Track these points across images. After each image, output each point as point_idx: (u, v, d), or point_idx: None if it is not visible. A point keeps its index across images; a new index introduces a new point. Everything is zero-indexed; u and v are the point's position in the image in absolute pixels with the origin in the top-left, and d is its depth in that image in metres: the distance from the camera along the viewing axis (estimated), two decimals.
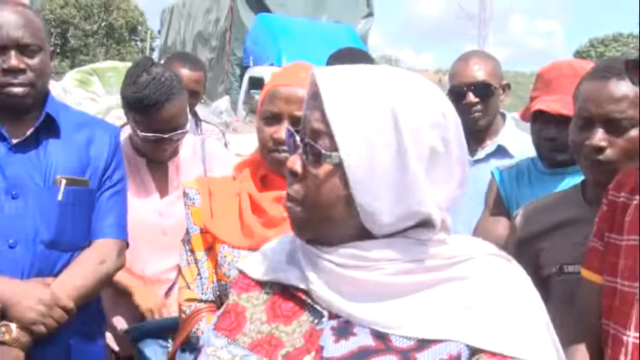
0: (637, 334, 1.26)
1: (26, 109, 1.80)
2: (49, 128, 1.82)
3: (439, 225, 0.93)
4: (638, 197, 1.34)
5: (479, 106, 2.42)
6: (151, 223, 2.25)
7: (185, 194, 1.67)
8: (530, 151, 2.21)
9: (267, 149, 1.58)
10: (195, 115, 3.22)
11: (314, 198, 0.93)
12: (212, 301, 1.60)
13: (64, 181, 1.79)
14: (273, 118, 1.56)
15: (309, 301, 0.96)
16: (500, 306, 0.90)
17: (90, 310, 1.86)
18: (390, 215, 0.91)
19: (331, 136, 0.90)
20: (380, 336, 0.90)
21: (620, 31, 42.51)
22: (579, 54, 41.51)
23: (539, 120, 2.02)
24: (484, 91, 2.39)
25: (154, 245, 2.24)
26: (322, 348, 0.91)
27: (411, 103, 0.91)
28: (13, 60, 1.72)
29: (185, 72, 2.94)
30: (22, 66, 1.74)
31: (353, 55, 2.62)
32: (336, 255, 0.93)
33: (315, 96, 0.94)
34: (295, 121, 1.54)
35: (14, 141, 1.78)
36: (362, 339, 0.91)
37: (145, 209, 2.26)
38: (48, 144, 1.81)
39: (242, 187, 1.61)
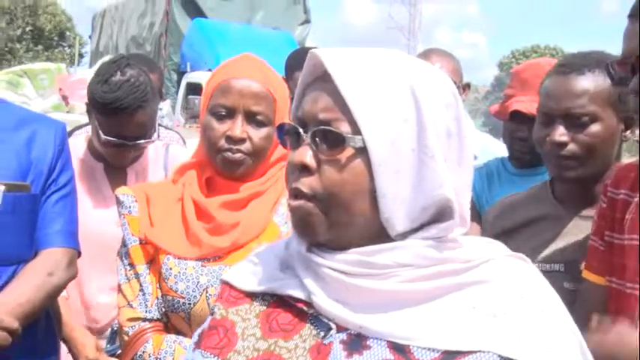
0: None
1: None
2: None
3: (457, 213, 0.85)
4: (639, 195, 1.30)
5: None
6: (108, 233, 2.09)
7: (119, 202, 1.53)
8: (493, 151, 2.19)
9: (218, 148, 1.46)
10: None
11: (334, 189, 0.84)
12: (158, 320, 1.48)
13: (2, 188, 1.61)
14: (226, 114, 1.45)
15: (311, 312, 0.86)
16: (527, 312, 0.82)
17: (39, 327, 1.70)
18: (410, 205, 0.83)
19: (350, 120, 0.83)
20: (399, 349, 0.81)
21: (538, 43, 44.61)
22: (502, 65, 43.24)
23: (515, 120, 2.00)
24: None
25: (110, 257, 2.08)
26: None
27: (427, 81, 0.85)
28: None
29: None
30: None
31: None
32: (339, 262, 0.84)
33: (320, 79, 0.86)
34: (250, 116, 1.45)
35: None
36: (378, 353, 0.81)
37: (102, 219, 2.10)
38: None
39: (185, 192, 1.49)
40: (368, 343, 0.82)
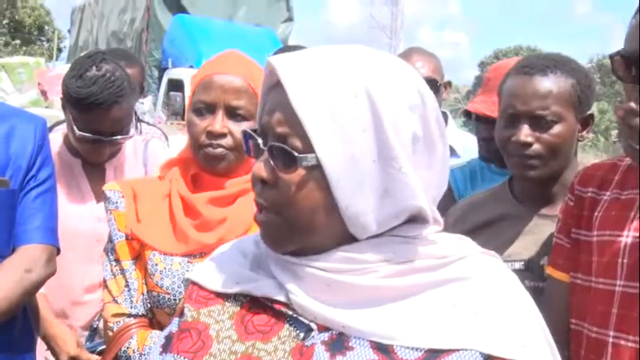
0: (617, 334, 1.22)
1: None
2: None
3: (431, 218, 0.85)
4: (607, 193, 1.32)
5: None
6: (86, 230, 2.07)
7: (106, 198, 1.52)
8: (474, 149, 2.20)
9: (200, 144, 1.46)
10: (134, 114, 3.05)
11: (291, 207, 0.82)
12: (143, 315, 1.47)
13: None
14: (207, 109, 1.45)
15: (290, 313, 0.84)
16: (505, 308, 0.83)
17: (16, 324, 1.66)
18: (378, 214, 0.81)
19: (303, 136, 0.79)
20: (382, 349, 0.80)
21: (520, 44, 45.00)
22: (483, 65, 43.71)
23: (478, 120, 2.04)
24: (430, 88, 2.36)
25: (88, 254, 2.05)
26: None
27: (386, 83, 0.81)
28: None
29: None
30: None
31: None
32: (324, 261, 0.83)
33: (275, 88, 0.83)
34: (231, 111, 1.45)
35: None
36: (362, 353, 0.80)
37: (80, 215, 2.08)
38: None
39: (172, 188, 1.49)
40: (350, 344, 0.81)
